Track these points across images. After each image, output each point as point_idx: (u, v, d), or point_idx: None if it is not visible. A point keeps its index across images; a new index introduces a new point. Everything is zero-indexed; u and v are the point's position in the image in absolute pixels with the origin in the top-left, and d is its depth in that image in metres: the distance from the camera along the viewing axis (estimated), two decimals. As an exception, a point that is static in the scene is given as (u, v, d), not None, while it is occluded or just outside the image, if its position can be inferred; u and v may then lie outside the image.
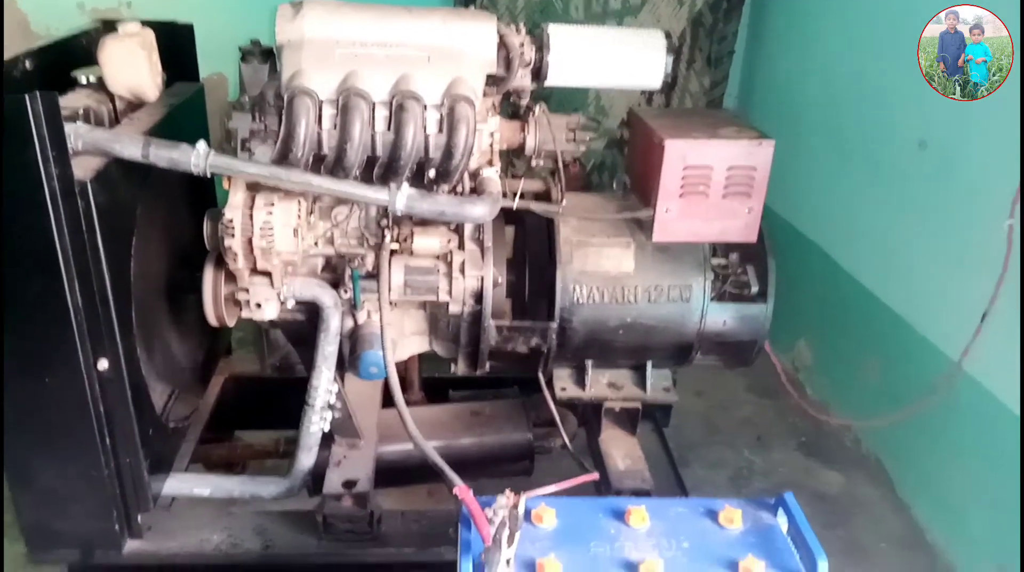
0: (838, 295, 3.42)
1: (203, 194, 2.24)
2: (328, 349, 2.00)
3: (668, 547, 1.63)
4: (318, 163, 1.79)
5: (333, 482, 2.03)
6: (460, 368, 2.17)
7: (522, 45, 1.92)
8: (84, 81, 1.86)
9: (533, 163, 2.06)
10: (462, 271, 1.97)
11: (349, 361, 2.05)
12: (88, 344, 1.70)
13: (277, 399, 2.59)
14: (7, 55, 1.83)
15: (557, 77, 1.97)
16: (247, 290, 1.89)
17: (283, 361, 2.28)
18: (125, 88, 1.85)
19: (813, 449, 3.30)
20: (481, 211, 1.81)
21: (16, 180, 1.53)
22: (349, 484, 2.03)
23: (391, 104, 1.77)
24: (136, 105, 1.97)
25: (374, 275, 1.98)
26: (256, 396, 2.63)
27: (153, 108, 1.98)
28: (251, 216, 1.79)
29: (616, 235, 2.07)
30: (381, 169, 1.80)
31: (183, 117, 2.10)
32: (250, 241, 1.79)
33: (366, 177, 1.83)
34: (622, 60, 1.99)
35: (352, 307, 2.03)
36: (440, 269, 1.99)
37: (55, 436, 1.77)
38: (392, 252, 1.97)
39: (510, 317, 2.06)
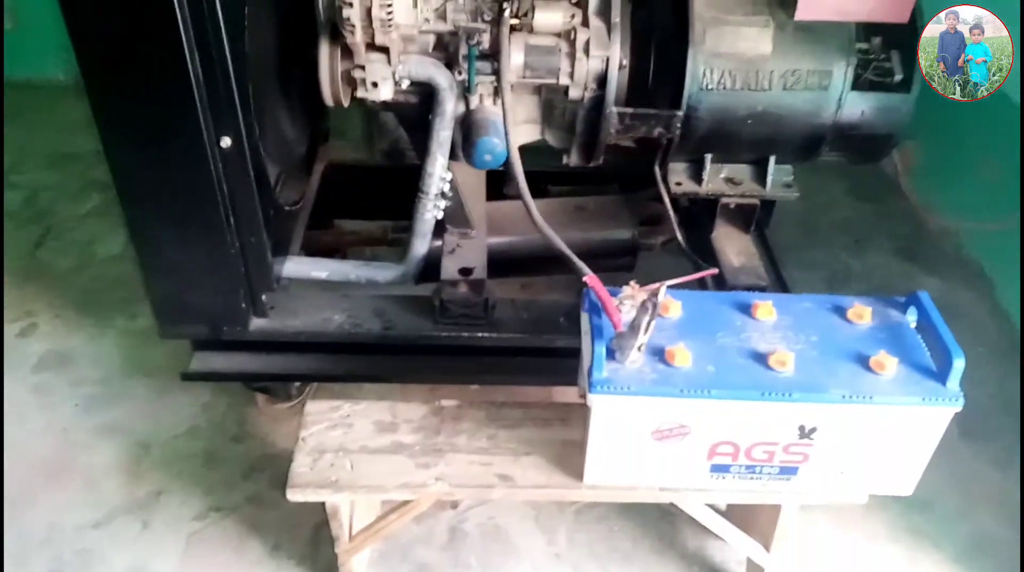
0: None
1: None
2: (443, 134, 1.93)
3: (796, 340, 1.62)
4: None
5: (449, 269, 2.04)
6: (573, 159, 2.09)
7: None
8: None
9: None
10: (586, 51, 1.83)
11: (463, 148, 1.98)
12: (211, 120, 1.65)
13: (377, 187, 2.59)
14: None
15: None
16: (363, 67, 1.79)
17: (392, 146, 2.23)
18: None
19: (912, 253, 3.21)
20: None
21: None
22: (465, 271, 2.04)
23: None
24: None
25: (489, 55, 1.86)
26: (355, 184, 2.60)
27: None
28: (371, -11, 1.66)
29: (755, 12, 1.88)
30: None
31: None
32: (368, 11, 1.67)
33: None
34: None
35: (465, 90, 1.92)
36: (562, 48, 1.85)
37: (183, 213, 1.78)
38: (511, 28, 1.83)
39: (631, 104, 1.93)
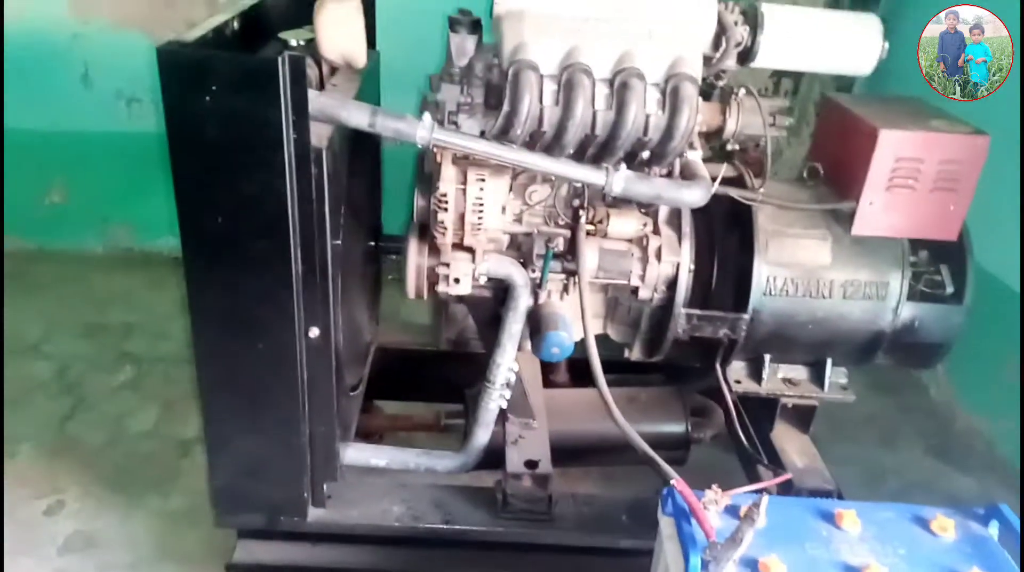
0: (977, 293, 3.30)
1: (377, 169, 2.22)
2: (514, 327, 1.98)
3: (885, 553, 1.59)
4: (532, 140, 1.76)
5: (514, 461, 2.02)
6: (635, 353, 2.14)
7: (736, 24, 1.86)
8: (294, 43, 1.83)
9: (729, 147, 2.01)
10: (658, 256, 1.93)
11: (531, 341, 2.03)
12: (303, 311, 1.69)
13: (419, 370, 2.61)
14: (192, 25, 1.81)
15: (766, 59, 1.91)
16: (448, 265, 1.87)
17: (459, 336, 2.27)
18: (338, 53, 1.82)
19: (943, 451, 3.21)
20: (696, 195, 1.76)
21: (259, 142, 1.52)
22: (531, 464, 2.02)
23: (613, 81, 1.72)
24: (332, 70, 1.95)
25: (562, 255, 1.96)
26: (399, 367, 2.63)
27: (347, 75, 1.96)
28: (464, 191, 1.77)
29: (812, 226, 2.01)
30: (596, 149, 1.76)
31: (369, 85, 2.07)
32: (462, 216, 1.77)
33: (575, 157, 1.79)
34: (836, 44, 1.91)
35: (536, 286, 2.00)
36: (634, 253, 1.95)
37: (260, 402, 1.78)
38: (587, 232, 1.93)
39: (696, 305, 2.01)
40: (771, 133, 1.96)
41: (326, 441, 1.87)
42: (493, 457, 2.10)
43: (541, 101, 1.71)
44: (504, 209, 1.80)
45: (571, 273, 2.00)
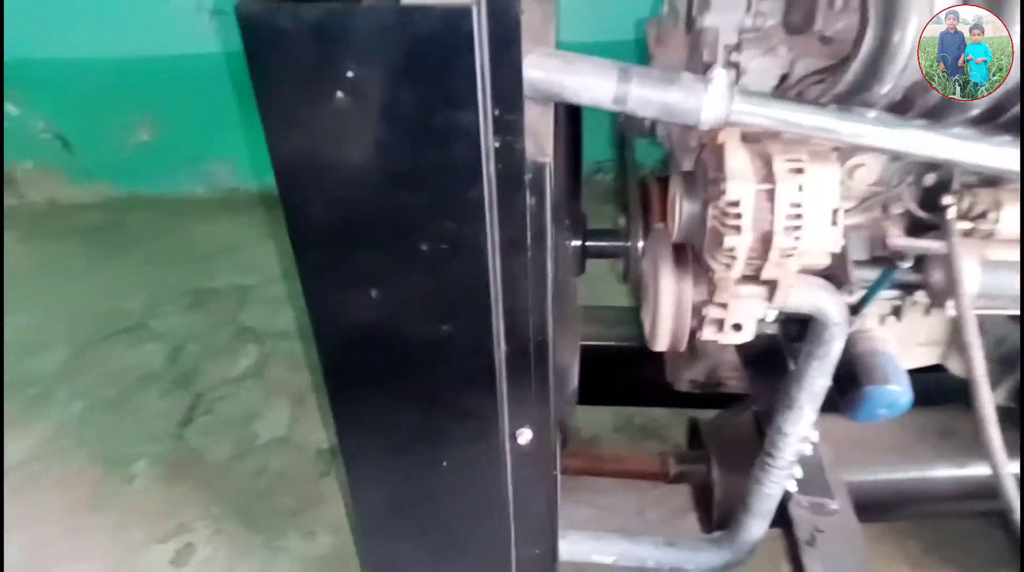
0: None
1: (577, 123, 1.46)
2: (819, 383, 1.25)
3: None
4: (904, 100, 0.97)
5: (817, 576, 1.35)
6: (998, 397, 1.38)
7: None
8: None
9: None
10: (1091, 271, 1.13)
11: (838, 392, 1.30)
12: (507, 411, 1.03)
13: (619, 371, 1.94)
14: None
15: None
16: (724, 305, 1.14)
17: (709, 375, 1.57)
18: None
19: None
20: None
21: (442, 162, 0.81)
22: (846, 585, 1.35)
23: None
24: None
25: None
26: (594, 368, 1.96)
27: None
28: (771, 194, 1.01)
29: None
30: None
31: None
32: (767, 237, 1.02)
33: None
34: None
35: (851, 312, 1.25)
36: (1042, 266, 1.16)
37: (449, 536, 1.16)
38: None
39: None
40: None
41: (541, 567, 1.24)
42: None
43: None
44: (836, 216, 1.03)
45: (910, 289, 1.25)
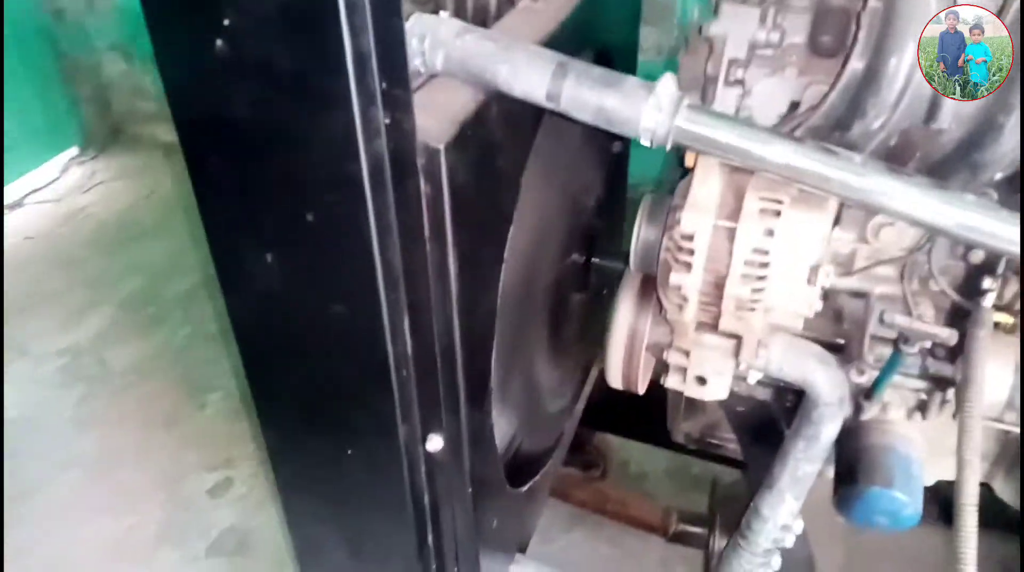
0: None
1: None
2: (804, 468, 1.08)
3: None
4: (905, 143, 0.80)
5: None
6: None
7: None
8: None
9: None
10: None
11: (835, 486, 1.12)
12: (416, 413, 0.97)
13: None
14: None
15: None
16: (687, 354, 1.01)
17: (704, 432, 1.41)
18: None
19: None
20: None
21: (311, 136, 0.77)
22: None
23: None
24: None
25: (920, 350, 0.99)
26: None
27: None
28: (731, 235, 0.87)
29: None
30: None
31: (603, 8, 1.18)
32: (719, 283, 0.89)
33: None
34: None
35: (860, 395, 1.07)
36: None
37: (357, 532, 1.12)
38: (995, 325, 0.94)
39: None
40: None
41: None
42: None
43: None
44: (814, 274, 0.87)
45: (941, 384, 1.04)
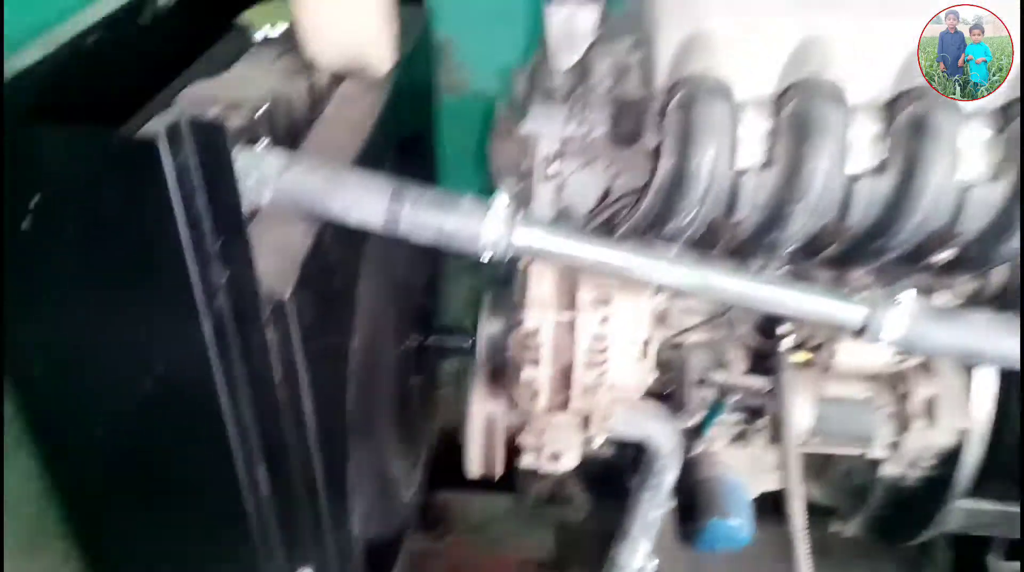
0: None
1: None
2: (652, 515, 1.16)
3: None
4: (710, 233, 0.89)
5: None
6: (850, 529, 1.30)
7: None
8: (262, 38, 0.98)
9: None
10: (929, 414, 1.06)
11: (680, 521, 1.21)
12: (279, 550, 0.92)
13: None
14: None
15: None
16: (540, 434, 1.05)
17: (554, 491, 1.46)
18: (342, 52, 0.95)
19: None
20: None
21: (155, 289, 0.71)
22: None
23: (892, 114, 0.82)
24: (335, 79, 1.06)
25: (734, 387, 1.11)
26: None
27: (358, 91, 1.06)
28: (571, 326, 0.92)
29: None
30: (843, 249, 0.88)
31: (403, 110, 1.18)
32: (566, 371, 0.93)
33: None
34: None
35: (690, 435, 1.17)
36: (881, 405, 1.08)
37: None
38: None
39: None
40: None
41: None
42: None
43: (734, 158, 0.83)
44: (645, 348, 0.95)
45: (755, 414, 1.17)
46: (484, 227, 0.81)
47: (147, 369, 0.76)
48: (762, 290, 0.84)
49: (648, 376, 0.96)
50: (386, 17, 0.94)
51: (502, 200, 0.81)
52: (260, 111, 0.88)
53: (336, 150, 0.94)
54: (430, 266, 1.41)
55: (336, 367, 0.94)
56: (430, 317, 1.35)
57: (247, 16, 1.01)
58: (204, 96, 0.88)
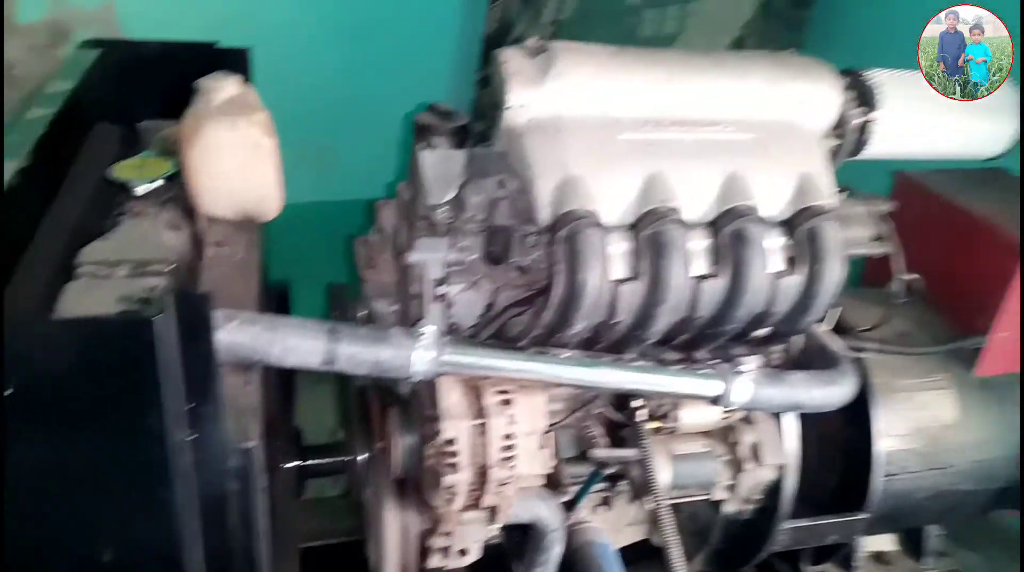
0: None
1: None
2: (545, 586, 1.28)
3: None
4: (594, 337, 1.05)
5: None
6: (694, 565, 1.50)
7: (853, 107, 1.23)
8: (143, 192, 0.99)
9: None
10: (756, 457, 1.29)
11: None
12: None
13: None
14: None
15: (879, 147, 1.30)
16: (450, 534, 1.13)
17: None
18: (236, 202, 0.99)
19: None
20: (844, 392, 1.14)
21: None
22: None
23: (717, 229, 1.05)
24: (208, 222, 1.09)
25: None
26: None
27: (234, 235, 1.09)
28: (483, 429, 1.03)
29: (931, 371, 1.45)
30: (693, 335, 1.09)
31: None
32: (482, 470, 1.04)
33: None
34: (963, 124, 1.34)
35: (566, 507, 1.31)
36: (718, 454, 1.30)
37: None
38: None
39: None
40: (875, 250, 1.36)
41: None
42: None
43: (607, 275, 1.01)
44: (544, 438, 1.08)
45: (616, 480, 1.33)
46: (415, 354, 0.90)
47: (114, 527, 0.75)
48: (644, 377, 1.02)
49: (550, 462, 1.08)
50: (279, 165, 1.00)
51: (429, 329, 0.91)
52: (170, 269, 0.90)
53: (240, 293, 0.97)
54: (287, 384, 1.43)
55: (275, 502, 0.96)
56: (300, 437, 1.37)
57: (120, 171, 1.01)
58: (108, 259, 0.88)
